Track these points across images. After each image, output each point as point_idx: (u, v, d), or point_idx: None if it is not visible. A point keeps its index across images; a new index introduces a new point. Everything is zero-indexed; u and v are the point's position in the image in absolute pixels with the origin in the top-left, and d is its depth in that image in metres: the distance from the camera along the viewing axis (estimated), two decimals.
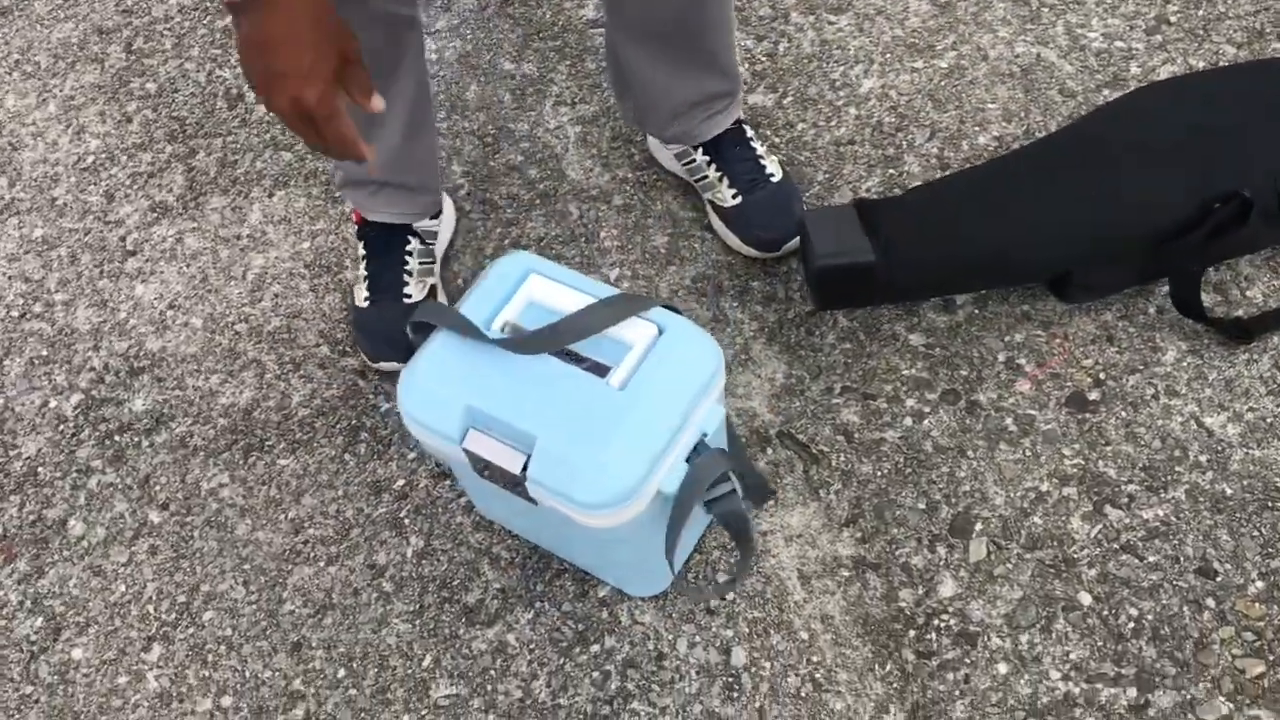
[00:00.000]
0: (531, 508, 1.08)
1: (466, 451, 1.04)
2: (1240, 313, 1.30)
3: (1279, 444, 1.22)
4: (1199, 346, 1.28)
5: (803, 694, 1.14)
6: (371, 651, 1.22)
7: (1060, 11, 1.60)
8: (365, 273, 1.41)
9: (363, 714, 1.19)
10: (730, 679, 1.16)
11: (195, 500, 1.36)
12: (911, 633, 1.16)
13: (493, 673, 1.19)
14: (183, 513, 1.35)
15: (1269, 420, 1.23)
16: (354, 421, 1.39)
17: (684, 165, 1.45)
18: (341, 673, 1.22)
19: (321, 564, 1.29)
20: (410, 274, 1.40)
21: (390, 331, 1.36)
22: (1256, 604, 1.13)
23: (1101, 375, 1.28)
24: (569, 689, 1.17)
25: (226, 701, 1.22)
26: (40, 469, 1.42)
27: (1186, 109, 1.34)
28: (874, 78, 1.57)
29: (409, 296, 1.38)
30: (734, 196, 1.40)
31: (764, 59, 1.62)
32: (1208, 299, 1.30)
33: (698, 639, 1.18)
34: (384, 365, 1.38)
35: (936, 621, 1.16)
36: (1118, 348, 1.30)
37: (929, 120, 1.51)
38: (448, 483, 1.32)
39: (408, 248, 1.40)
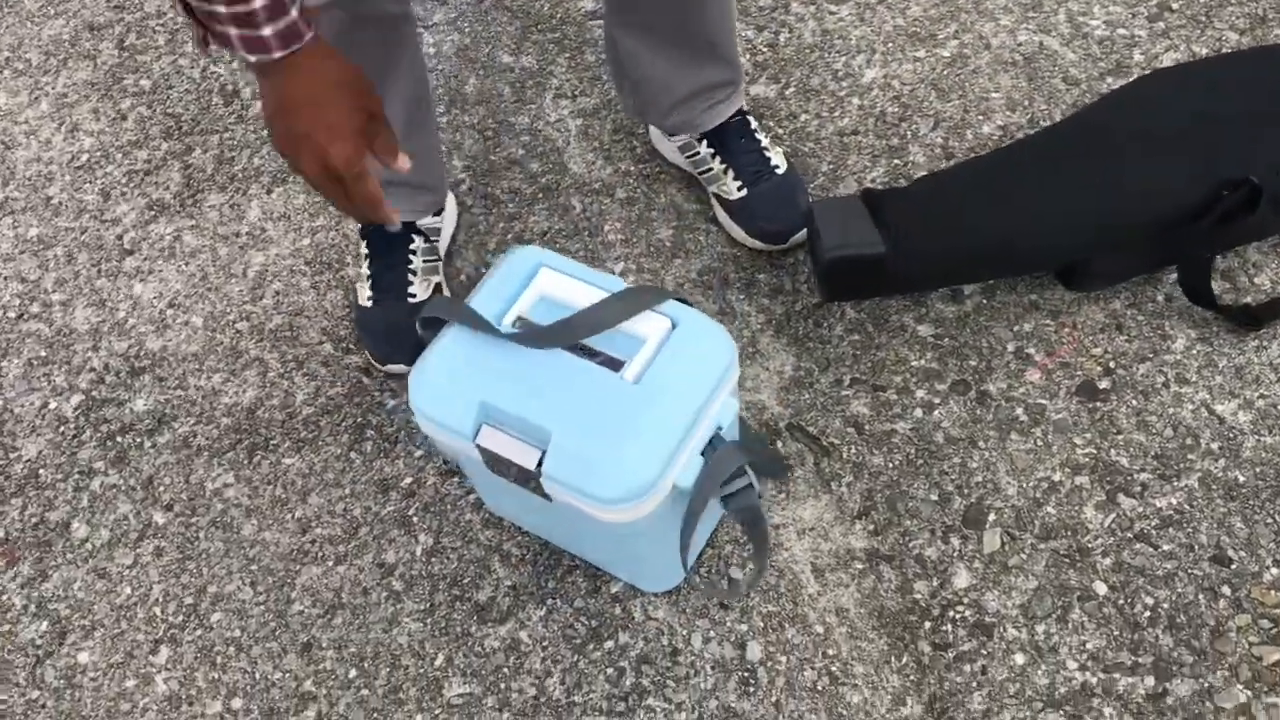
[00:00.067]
0: (544, 504, 1.07)
1: (480, 448, 1.03)
2: (1249, 299, 1.30)
3: None
4: (1208, 334, 1.28)
5: (819, 688, 1.13)
6: (383, 651, 1.21)
7: None
8: (368, 272, 1.40)
9: (375, 714, 1.18)
10: (746, 674, 1.15)
11: (200, 501, 1.34)
12: (927, 624, 1.15)
13: (506, 671, 1.18)
14: (187, 514, 1.34)
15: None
16: (359, 419, 1.38)
17: (688, 158, 1.44)
18: (353, 673, 1.20)
19: (330, 563, 1.28)
20: (415, 272, 1.39)
21: (397, 332, 1.35)
22: (1272, 591, 1.13)
23: (1111, 364, 1.28)
24: (583, 686, 1.17)
25: (237, 704, 1.21)
26: (41, 471, 1.40)
27: (1190, 96, 1.34)
28: (876, 67, 1.56)
29: (414, 296, 1.37)
30: (739, 189, 1.39)
31: (765, 49, 1.61)
32: (1216, 286, 1.29)
33: (712, 634, 1.18)
34: (392, 367, 1.37)
35: (952, 613, 1.16)
36: (1127, 336, 1.29)
37: (932, 110, 1.51)
38: (456, 480, 1.31)
39: (411, 246, 1.39)
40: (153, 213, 1.61)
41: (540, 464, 1.00)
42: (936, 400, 1.28)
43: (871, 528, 1.22)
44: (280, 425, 1.39)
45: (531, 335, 1.04)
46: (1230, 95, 1.33)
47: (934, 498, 1.22)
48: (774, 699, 1.13)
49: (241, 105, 1.71)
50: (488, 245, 1.50)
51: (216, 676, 1.22)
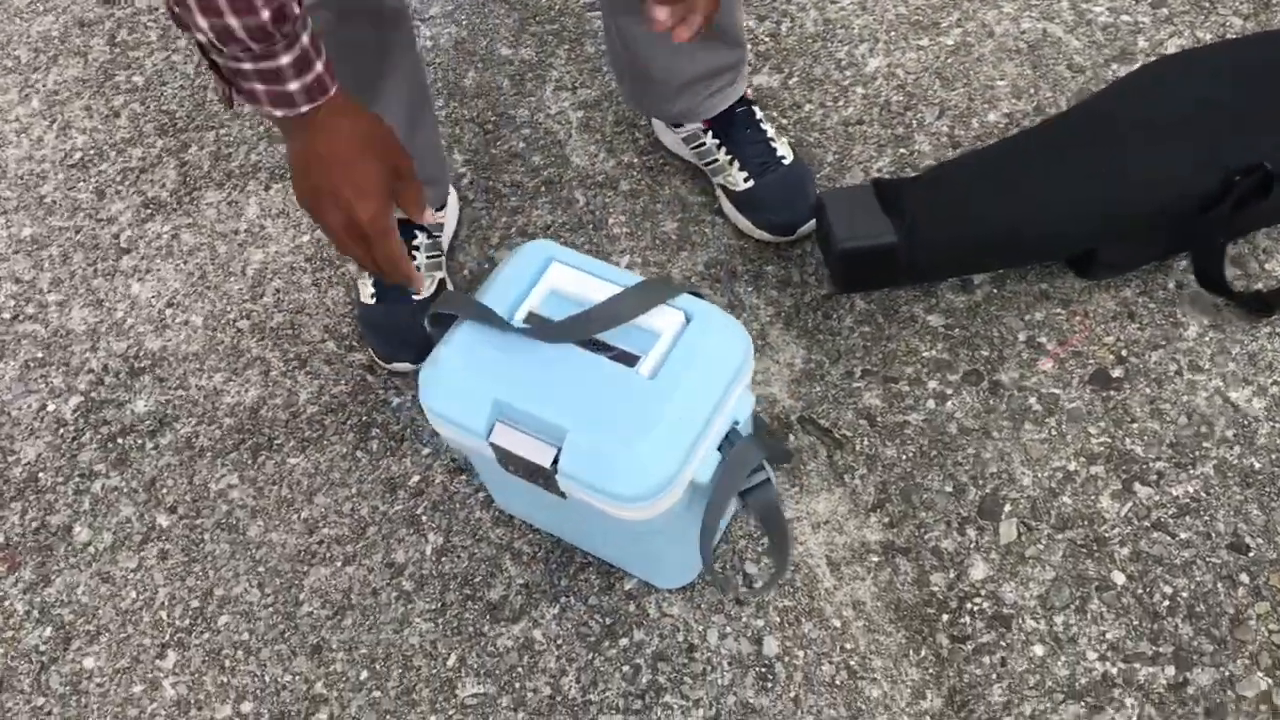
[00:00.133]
0: (557, 501, 1.06)
1: (494, 446, 1.02)
2: (1260, 286, 1.29)
3: None
4: (1220, 321, 1.28)
5: (837, 682, 1.13)
6: (394, 652, 1.20)
7: None
8: None
9: (388, 716, 1.16)
10: (763, 669, 1.14)
11: (204, 502, 1.33)
12: (945, 617, 1.14)
13: (520, 670, 1.17)
14: (192, 515, 1.32)
15: None
16: (365, 418, 1.36)
17: (693, 149, 1.42)
18: (364, 674, 1.19)
19: (338, 564, 1.26)
20: (418, 269, 1.37)
21: (402, 330, 1.33)
22: None
23: (1124, 352, 1.27)
24: (599, 684, 1.15)
25: (247, 707, 1.19)
26: (41, 474, 1.38)
27: (1194, 83, 1.33)
28: (880, 56, 1.55)
29: (418, 292, 1.35)
30: (745, 180, 1.38)
31: (767, 39, 1.60)
32: (1227, 273, 1.29)
33: (728, 629, 1.17)
34: (398, 366, 1.35)
35: (969, 605, 1.15)
36: (1139, 324, 1.29)
37: (937, 98, 1.50)
38: (464, 478, 1.30)
39: (415, 242, 1.37)
40: (149, 211, 1.59)
41: (556, 461, 0.99)
42: (949, 391, 1.27)
43: (886, 520, 1.21)
44: (284, 425, 1.37)
45: (547, 330, 1.02)
46: (1235, 81, 1.32)
47: (949, 489, 1.21)
48: (792, 694, 1.12)
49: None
50: (490, 240, 1.48)
51: (225, 680, 1.21)
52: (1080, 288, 1.32)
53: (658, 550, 1.13)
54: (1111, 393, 1.25)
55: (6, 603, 1.29)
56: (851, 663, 1.13)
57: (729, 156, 1.38)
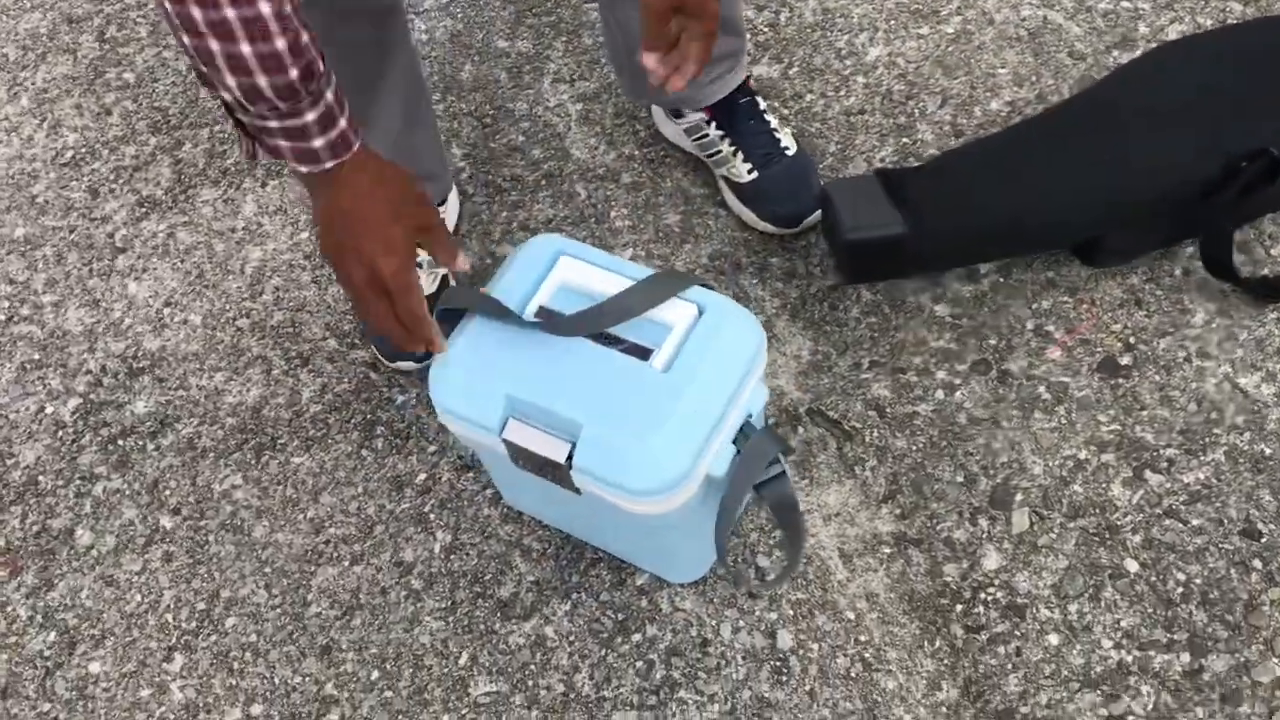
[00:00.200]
0: (568, 496, 1.05)
1: (506, 442, 1.01)
2: (1266, 271, 1.29)
3: None
4: (1227, 307, 1.27)
5: (853, 674, 1.12)
6: (405, 651, 1.19)
7: None
8: None
9: (400, 716, 1.15)
10: (778, 663, 1.13)
11: (208, 504, 1.31)
12: (959, 607, 1.14)
13: (533, 667, 1.16)
14: (196, 517, 1.31)
15: None
16: (369, 416, 1.35)
17: (696, 141, 1.41)
18: (375, 674, 1.18)
19: (346, 564, 1.25)
20: (420, 265, 1.35)
21: None
22: None
23: (1132, 339, 1.27)
24: (613, 680, 1.15)
25: (256, 710, 1.18)
26: (41, 477, 1.36)
27: (1195, 69, 1.33)
28: (880, 45, 1.55)
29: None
30: (750, 171, 1.37)
31: (766, 29, 1.59)
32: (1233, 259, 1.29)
33: (741, 623, 1.16)
34: (401, 365, 1.34)
35: (983, 595, 1.14)
36: (1146, 311, 1.28)
37: (939, 87, 1.49)
38: (472, 475, 1.29)
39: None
40: (144, 209, 1.57)
41: (570, 457, 0.98)
42: (957, 381, 1.27)
43: (898, 511, 1.20)
44: (287, 424, 1.36)
45: (559, 324, 1.01)
46: (1236, 67, 1.32)
47: (960, 479, 1.21)
48: (808, 687, 1.12)
49: None
50: (492, 234, 1.47)
51: (234, 683, 1.20)
52: (1086, 275, 1.32)
53: (671, 545, 1.13)
54: (1120, 380, 1.24)
55: (9, 608, 1.27)
56: (866, 655, 1.13)
57: (733, 148, 1.37)
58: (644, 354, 1.00)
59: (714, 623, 1.16)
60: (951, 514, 1.19)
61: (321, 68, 0.82)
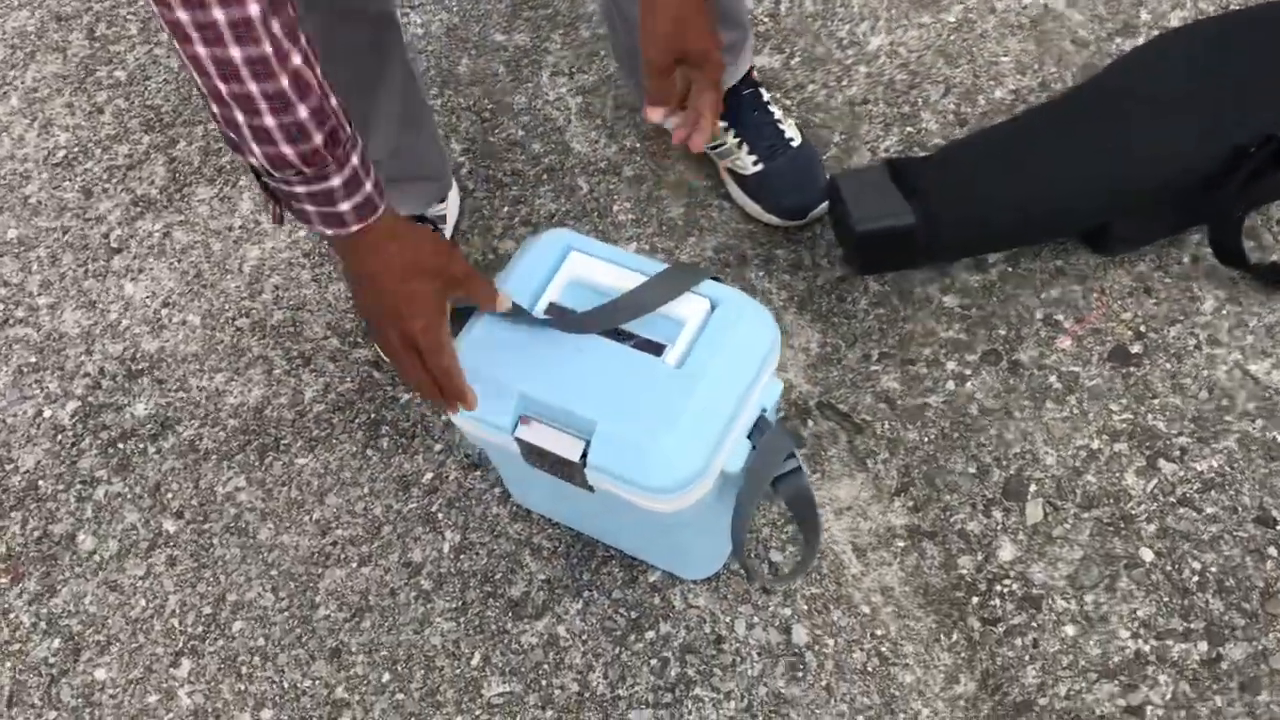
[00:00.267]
0: (579, 494, 1.04)
1: (519, 441, 0.99)
2: (1275, 257, 1.29)
3: None
4: (1236, 294, 1.27)
5: (869, 669, 1.11)
6: (416, 653, 1.18)
7: None
8: None
9: (413, 718, 1.14)
10: (793, 658, 1.13)
11: (212, 506, 1.30)
12: (974, 600, 1.13)
13: (546, 667, 1.15)
14: (199, 520, 1.29)
15: None
16: (373, 415, 1.33)
17: None
18: (386, 676, 1.17)
19: (353, 565, 1.24)
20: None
21: None
22: None
23: (1142, 328, 1.26)
24: (627, 679, 1.14)
25: (266, 714, 1.16)
26: (41, 482, 1.34)
27: (1197, 56, 1.32)
28: (881, 34, 1.53)
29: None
30: (755, 164, 1.36)
31: (766, 19, 1.58)
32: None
33: (756, 619, 1.15)
34: None
35: (999, 587, 1.14)
36: (1155, 299, 1.28)
37: (942, 76, 1.48)
38: (479, 473, 1.27)
39: None
40: (138, 209, 1.55)
41: (585, 455, 0.97)
42: (968, 372, 1.26)
43: (911, 504, 1.19)
44: (290, 424, 1.34)
45: (571, 320, 1.00)
46: (1238, 53, 1.32)
47: (972, 471, 1.20)
48: (824, 682, 1.11)
49: None
50: (494, 230, 1.45)
51: (243, 687, 1.18)
52: (1095, 264, 1.31)
53: (685, 541, 1.12)
54: (1131, 369, 1.24)
55: (11, 615, 1.26)
56: (883, 649, 1.12)
57: (737, 140, 1.36)
58: (657, 350, 0.99)
59: (728, 619, 1.15)
60: (965, 506, 1.18)
61: (347, 132, 0.82)
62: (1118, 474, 1.18)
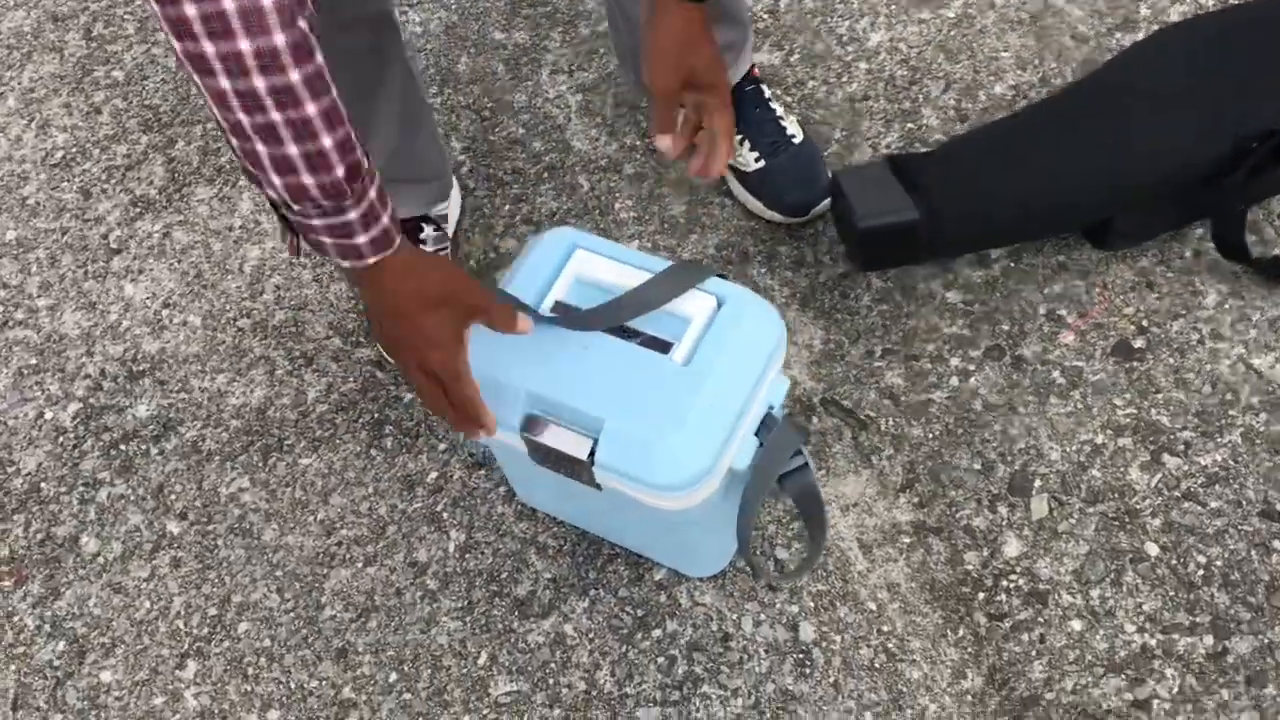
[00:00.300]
0: (585, 492, 1.03)
1: (527, 440, 0.99)
2: (1277, 251, 1.29)
3: None
4: (1239, 288, 1.27)
5: (876, 665, 1.12)
6: (423, 652, 1.17)
7: None
8: None
9: (420, 718, 1.14)
10: (801, 655, 1.13)
11: (215, 507, 1.29)
12: (981, 595, 1.14)
13: (553, 666, 1.15)
14: (203, 521, 1.29)
15: None
16: (377, 415, 1.33)
17: None
18: (393, 676, 1.17)
19: (359, 565, 1.23)
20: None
21: None
22: None
23: (1145, 322, 1.26)
24: (634, 677, 1.14)
25: (273, 715, 1.16)
26: (43, 485, 1.34)
27: (1197, 51, 1.32)
28: (881, 30, 1.53)
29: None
30: (756, 160, 1.36)
31: (766, 16, 1.58)
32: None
33: (763, 617, 1.15)
34: None
35: (1005, 582, 1.14)
36: (1158, 294, 1.28)
37: (942, 72, 1.48)
38: (483, 472, 1.27)
39: (421, 235, 1.34)
40: (138, 209, 1.55)
41: (593, 453, 0.97)
42: (971, 367, 1.26)
43: (916, 500, 1.20)
44: (293, 425, 1.34)
45: (577, 318, 1.00)
46: (1238, 48, 1.32)
47: (977, 467, 1.20)
48: (832, 679, 1.11)
49: None
50: (495, 228, 1.45)
51: (249, 689, 1.18)
52: (1097, 259, 1.31)
53: (691, 539, 1.12)
54: (1135, 364, 1.24)
55: (16, 618, 1.25)
56: (890, 645, 1.12)
57: (739, 136, 1.36)
58: (664, 347, 0.99)
59: (735, 616, 1.15)
60: (970, 502, 1.19)
61: (367, 165, 0.82)
62: (1122, 469, 1.18)
